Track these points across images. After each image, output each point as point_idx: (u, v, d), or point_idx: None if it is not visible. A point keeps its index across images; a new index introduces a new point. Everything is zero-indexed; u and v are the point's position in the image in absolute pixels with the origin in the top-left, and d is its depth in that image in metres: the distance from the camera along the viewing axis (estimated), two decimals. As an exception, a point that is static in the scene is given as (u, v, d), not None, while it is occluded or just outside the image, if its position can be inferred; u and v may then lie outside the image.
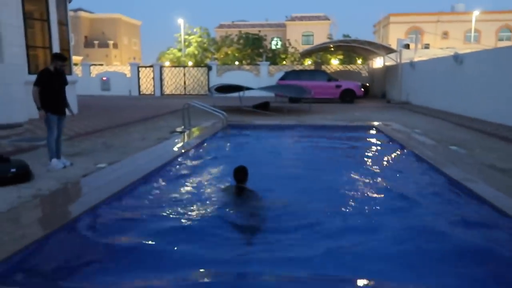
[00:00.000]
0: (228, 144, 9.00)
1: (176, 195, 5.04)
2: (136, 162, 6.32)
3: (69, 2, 13.39)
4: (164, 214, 4.35)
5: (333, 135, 10.22)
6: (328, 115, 14.46)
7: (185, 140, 8.79)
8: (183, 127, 10.30)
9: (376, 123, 11.11)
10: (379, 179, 5.83)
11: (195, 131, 9.94)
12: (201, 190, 5.23)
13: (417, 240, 3.72)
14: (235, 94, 17.92)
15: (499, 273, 3.17)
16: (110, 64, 42.08)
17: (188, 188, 5.31)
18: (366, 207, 4.63)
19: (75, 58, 31.80)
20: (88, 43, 56.12)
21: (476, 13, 39.22)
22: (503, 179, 5.38)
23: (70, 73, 12.93)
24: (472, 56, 13.94)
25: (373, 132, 10.26)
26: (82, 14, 55.25)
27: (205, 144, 8.45)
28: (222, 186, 5.13)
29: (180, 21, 41.25)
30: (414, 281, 3.06)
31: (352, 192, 5.19)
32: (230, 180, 5.03)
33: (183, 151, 7.34)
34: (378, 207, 4.63)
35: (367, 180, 5.81)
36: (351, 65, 30.42)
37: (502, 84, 11.05)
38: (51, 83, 6.08)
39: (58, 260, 3.29)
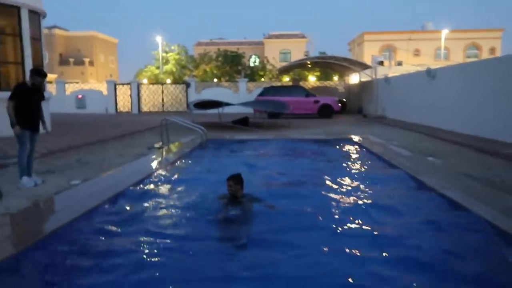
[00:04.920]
0: (208, 158, 8.88)
1: (157, 210, 4.87)
2: (112, 178, 6.14)
3: (43, 18, 13.16)
4: (145, 229, 4.19)
5: (314, 148, 10.27)
6: (308, 129, 14.56)
7: (164, 156, 8.63)
8: (161, 143, 10.13)
9: (354, 137, 11.25)
10: (360, 190, 5.84)
11: (174, 147, 9.80)
12: (184, 203, 5.08)
13: (398, 247, 3.70)
14: (214, 111, 17.86)
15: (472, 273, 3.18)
16: (86, 82, 41.42)
17: (170, 202, 5.15)
18: (347, 215, 4.62)
19: (49, 76, 31.18)
20: (63, 61, 55.28)
21: (445, 31, 40.92)
22: (475, 186, 5.50)
23: (44, 89, 12.61)
24: (444, 70, 14.44)
25: (352, 145, 10.37)
26: (57, 31, 54.57)
27: (185, 158, 8.32)
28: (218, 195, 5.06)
29: (158, 39, 41.30)
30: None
31: (334, 201, 5.18)
32: (216, 191, 5.14)
33: (162, 165, 7.20)
34: (359, 216, 4.62)
35: (348, 190, 5.81)
36: (328, 81, 31.00)
37: (471, 96, 11.44)
38: (27, 97, 5.90)
39: (28, 278, 3.10)
